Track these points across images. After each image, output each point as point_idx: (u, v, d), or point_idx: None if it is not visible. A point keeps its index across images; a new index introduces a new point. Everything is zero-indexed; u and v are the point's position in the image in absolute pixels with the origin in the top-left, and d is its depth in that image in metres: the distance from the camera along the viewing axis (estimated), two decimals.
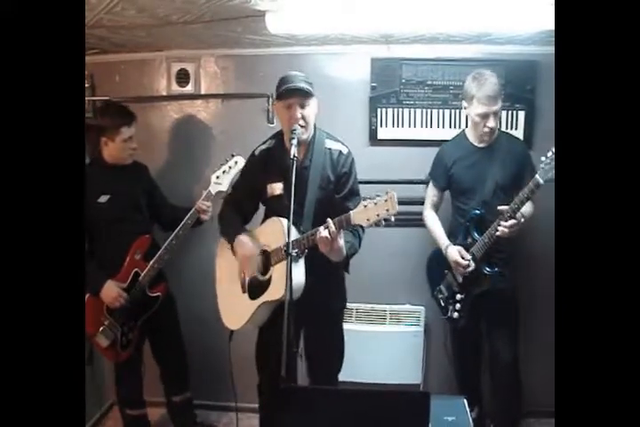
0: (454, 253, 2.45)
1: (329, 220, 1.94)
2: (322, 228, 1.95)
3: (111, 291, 2.45)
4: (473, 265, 2.42)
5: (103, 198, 2.50)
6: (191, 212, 2.56)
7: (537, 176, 2.19)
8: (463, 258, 2.43)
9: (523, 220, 2.30)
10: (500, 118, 2.62)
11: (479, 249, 2.41)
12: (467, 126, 2.73)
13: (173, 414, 2.86)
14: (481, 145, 2.50)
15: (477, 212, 2.45)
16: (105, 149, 2.53)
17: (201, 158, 3.05)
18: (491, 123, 2.38)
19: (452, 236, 2.55)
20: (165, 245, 2.55)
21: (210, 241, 2.87)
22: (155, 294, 2.59)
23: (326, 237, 1.93)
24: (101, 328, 2.49)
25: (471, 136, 2.53)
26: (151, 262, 2.54)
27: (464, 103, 2.46)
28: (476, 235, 2.44)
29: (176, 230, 2.55)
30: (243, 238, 2.21)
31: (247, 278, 2.26)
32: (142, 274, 2.54)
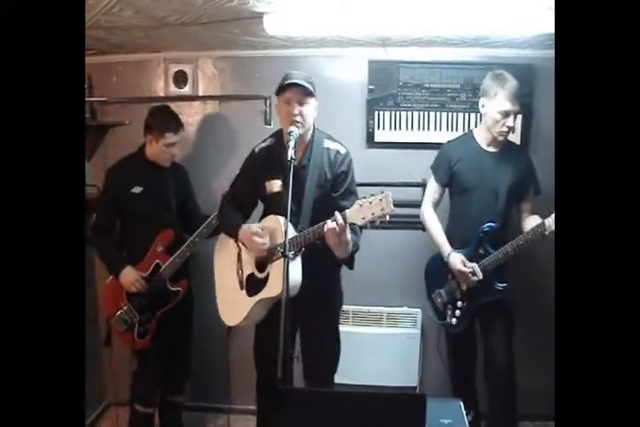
0: (457, 261, 2.43)
1: (337, 212, 1.94)
2: (329, 220, 1.96)
3: (129, 275, 2.55)
4: (481, 276, 2.41)
5: (137, 189, 2.59)
6: (216, 213, 2.57)
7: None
8: (465, 266, 2.42)
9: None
10: None
11: (491, 263, 2.40)
12: (473, 126, 2.74)
13: (163, 414, 2.85)
14: (489, 148, 2.49)
15: (493, 225, 2.43)
16: (148, 147, 2.62)
17: (197, 159, 3.05)
18: (510, 122, 2.38)
19: (453, 241, 2.52)
20: (188, 241, 2.61)
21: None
22: (175, 289, 2.64)
23: (334, 229, 1.93)
24: (119, 312, 2.60)
25: (480, 137, 2.50)
26: (173, 256, 2.60)
27: (482, 101, 2.44)
28: (489, 248, 2.43)
29: (200, 228, 2.61)
30: (245, 226, 2.19)
31: (244, 274, 2.26)
32: (163, 266, 2.60)
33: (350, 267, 2.27)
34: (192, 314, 2.82)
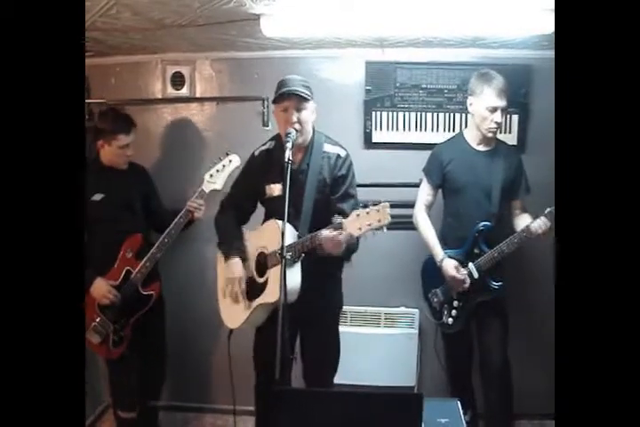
0: (450, 267, 2.44)
1: (335, 218, 1.94)
2: (324, 229, 1.96)
3: (101, 288, 2.48)
4: (477, 275, 2.43)
5: (97, 197, 2.53)
6: (184, 210, 2.57)
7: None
8: (458, 272, 2.43)
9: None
10: None
11: (486, 262, 2.42)
12: (465, 127, 2.75)
13: (140, 419, 2.76)
14: (479, 147, 2.51)
15: (488, 224, 2.44)
16: (102, 151, 2.58)
17: (196, 161, 3.05)
18: (498, 118, 2.39)
19: (448, 241, 2.55)
20: (158, 243, 2.56)
21: (202, 244, 2.86)
22: (148, 293, 2.60)
23: (332, 237, 1.94)
24: (92, 324, 2.52)
25: (470, 137, 2.52)
26: (143, 260, 2.55)
27: (470, 100, 2.46)
28: (484, 247, 2.44)
29: (168, 229, 2.56)
30: (234, 262, 2.23)
31: (227, 297, 2.28)
32: (134, 272, 2.55)
33: (347, 260, 2.25)
34: (164, 316, 2.80)
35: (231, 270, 2.23)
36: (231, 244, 2.29)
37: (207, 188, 2.58)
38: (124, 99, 3.00)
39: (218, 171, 2.57)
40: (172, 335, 2.88)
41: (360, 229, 1.84)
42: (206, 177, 2.59)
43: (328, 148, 2.23)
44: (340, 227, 1.91)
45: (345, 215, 1.94)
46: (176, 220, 2.56)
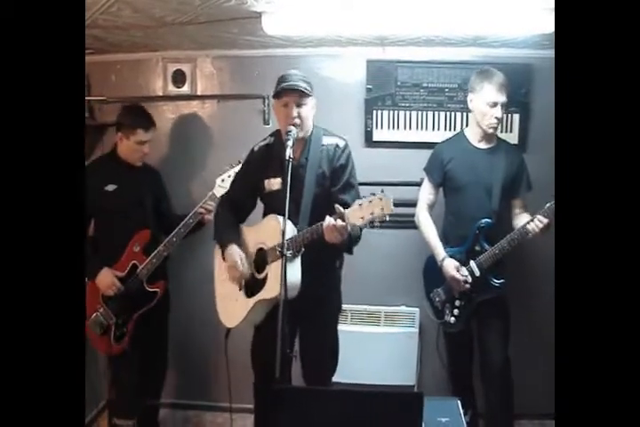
0: (451, 268, 2.44)
1: (337, 206, 1.91)
2: (328, 216, 1.94)
3: (106, 278, 2.52)
4: (478, 273, 2.42)
5: (110, 187, 2.58)
6: (193, 211, 2.61)
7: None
8: (459, 272, 2.43)
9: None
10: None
11: (488, 259, 2.41)
12: (466, 126, 2.75)
13: (140, 418, 2.74)
14: (480, 145, 2.51)
15: (489, 221, 2.44)
16: (119, 145, 2.62)
17: (197, 158, 3.05)
18: (498, 113, 2.40)
19: (449, 239, 2.55)
20: (165, 241, 2.59)
21: (211, 246, 2.88)
22: (153, 290, 2.61)
23: (334, 226, 1.91)
24: (94, 315, 2.55)
25: (471, 134, 2.53)
26: (150, 257, 2.58)
27: (470, 97, 2.47)
28: (485, 244, 2.44)
29: (177, 228, 2.60)
30: (232, 248, 2.23)
31: (235, 283, 2.27)
32: (140, 267, 2.58)
33: (349, 252, 2.22)
34: (168, 316, 2.81)
35: (230, 256, 2.21)
36: (228, 234, 2.29)
37: (218, 192, 2.62)
38: (125, 96, 2.99)
39: (229, 176, 2.59)
40: (173, 333, 2.89)
41: (362, 218, 1.82)
42: (218, 182, 2.63)
43: (326, 140, 2.22)
44: (341, 215, 1.89)
45: (347, 206, 1.93)
46: (185, 220, 2.60)
